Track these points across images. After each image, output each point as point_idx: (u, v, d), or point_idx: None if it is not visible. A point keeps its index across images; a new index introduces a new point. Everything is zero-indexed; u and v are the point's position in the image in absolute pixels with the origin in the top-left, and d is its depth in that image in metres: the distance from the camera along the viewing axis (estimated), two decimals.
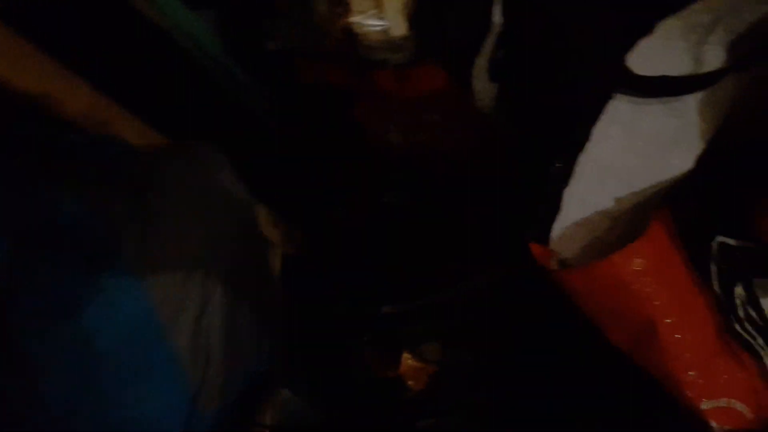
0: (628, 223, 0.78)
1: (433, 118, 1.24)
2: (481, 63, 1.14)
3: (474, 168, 1.31)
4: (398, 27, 1.11)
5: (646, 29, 0.79)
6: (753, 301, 0.72)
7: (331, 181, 1.45)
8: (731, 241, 0.74)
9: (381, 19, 1.09)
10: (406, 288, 1.29)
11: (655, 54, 0.83)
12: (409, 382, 1.27)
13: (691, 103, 0.82)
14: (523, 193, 0.93)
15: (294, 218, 1.41)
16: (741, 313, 0.73)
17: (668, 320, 0.69)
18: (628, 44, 0.80)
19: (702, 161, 0.79)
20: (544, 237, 0.76)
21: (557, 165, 0.77)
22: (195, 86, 1.21)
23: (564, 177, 0.77)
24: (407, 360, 1.25)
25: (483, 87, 1.16)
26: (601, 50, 0.80)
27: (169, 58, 1.17)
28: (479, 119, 1.19)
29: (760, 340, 0.72)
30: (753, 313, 0.72)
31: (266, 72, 1.27)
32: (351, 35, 1.09)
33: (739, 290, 0.73)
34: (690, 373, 0.68)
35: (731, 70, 0.79)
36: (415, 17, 1.11)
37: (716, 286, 0.74)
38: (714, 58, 0.84)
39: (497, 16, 1.12)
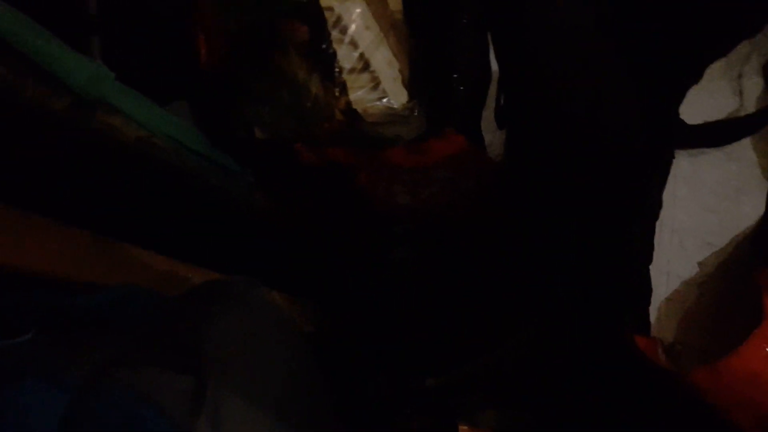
0: (716, 288, 0.73)
1: (444, 174, 1.18)
2: (488, 114, 1.09)
3: (485, 220, 1.26)
4: (398, 96, 1.04)
5: (696, 76, 0.75)
6: None
7: (337, 248, 1.37)
8: None
9: (380, 91, 1.02)
10: (446, 354, 1.23)
11: (699, 99, 0.79)
12: None
13: (745, 142, 0.79)
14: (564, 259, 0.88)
15: (307, 294, 1.33)
16: None
17: None
18: (681, 95, 0.76)
19: None
20: (640, 322, 0.71)
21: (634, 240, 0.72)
22: (188, 189, 1.11)
23: (647, 252, 0.72)
24: (464, 431, 1.19)
25: (492, 137, 1.11)
26: (658, 106, 0.76)
27: (155, 167, 1.07)
28: (491, 169, 1.15)
29: None
30: None
31: (259, 159, 1.18)
32: (352, 115, 1.01)
33: None
34: None
35: None
36: (413, 84, 1.04)
37: None
38: (753, 86, 0.81)
39: (493, 64, 1.07)
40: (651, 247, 0.73)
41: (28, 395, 0.66)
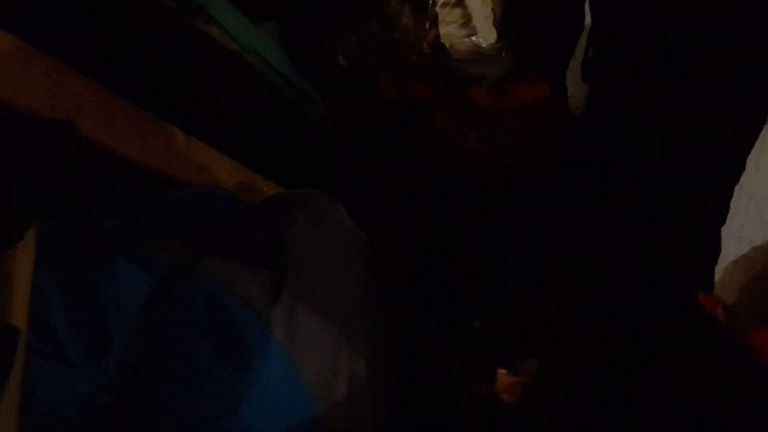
0: None
1: (520, 123, 1.18)
2: (575, 65, 1.08)
3: (553, 175, 1.25)
4: (488, 35, 1.04)
5: None
6: None
7: (404, 189, 1.39)
8: None
9: (470, 28, 1.02)
10: (497, 301, 1.25)
11: None
12: (503, 396, 1.24)
13: None
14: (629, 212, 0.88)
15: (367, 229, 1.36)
16: None
17: None
18: None
19: None
20: (705, 281, 0.71)
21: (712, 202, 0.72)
22: (269, 109, 1.15)
23: (721, 214, 0.72)
24: (503, 376, 1.22)
25: (576, 88, 1.10)
26: (754, 63, 0.74)
27: (241, 82, 1.11)
28: (569, 122, 1.14)
29: None
30: None
31: (339, 87, 1.20)
32: (440, 49, 1.02)
33: None
34: None
35: None
36: (504, 24, 1.04)
37: None
38: None
39: (587, 17, 1.06)
40: (726, 209, 0.73)
41: (117, 271, 0.72)
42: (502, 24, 1.03)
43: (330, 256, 0.77)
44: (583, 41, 1.06)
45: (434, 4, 0.97)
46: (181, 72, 0.94)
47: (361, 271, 0.83)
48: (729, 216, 0.73)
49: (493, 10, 1.02)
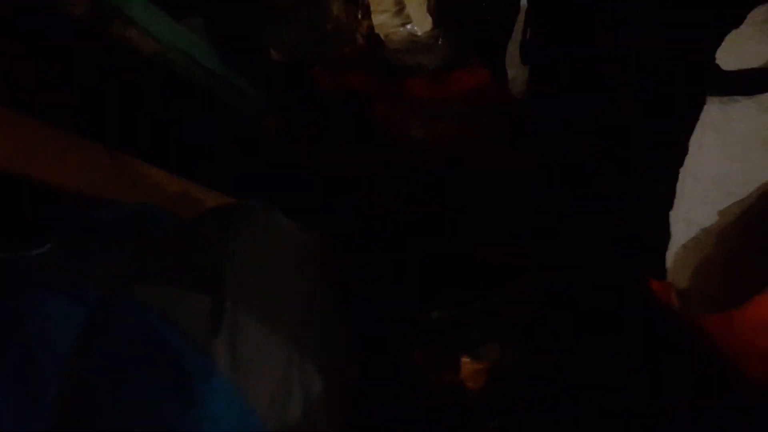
0: (735, 237, 0.73)
1: (463, 108, 1.16)
2: (513, 48, 1.06)
3: (498, 158, 1.24)
4: (423, 23, 1.01)
5: (737, 20, 0.72)
6: None
7: (348, 179, 1.36)
8: None
9: (404, 16, 0.99)
10: (453, 289, 1.23)
11: (737, 44, 0.77)
12: (468, 384, 1.24)
13: None
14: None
15: (315, 223, 1.33)
16: None
17: None
18: (719, 39, 0.73)
19: None
20: (656, 267, 0.71)
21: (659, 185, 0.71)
22: (201, 109, 1.10)
23: (668, 198, 0.71)
24: (466, 363, 1.21)
25: (516, 72, 1.08)
26: (694, 48, 0.73)
27: (167, 84, 1.05)
28: (511, 106, 1.12)
29: None
30: None
31: (273, 81, 1.15)
32: (375, 40, 0.99)
33: None
34: None
35: None
36: (438, 11, 1.01)
37: None
38: None
39: None
40: (673, 194, 0.72)
41: (47, 306, 0.67)
42: (436, 11, 1.00)
43: (273, 270, 0.74)
44: (520, 23, 1.04)
45: None
46: (99, 81, 0.88)
47: (308, 278, 0.80)
48: (676, 200, 0.73)
49: None
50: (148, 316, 0.63)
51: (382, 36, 0.98)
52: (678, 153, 0.72)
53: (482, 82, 0.98)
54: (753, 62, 0.77)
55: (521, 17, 1.04)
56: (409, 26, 0.98)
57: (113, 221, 0.77)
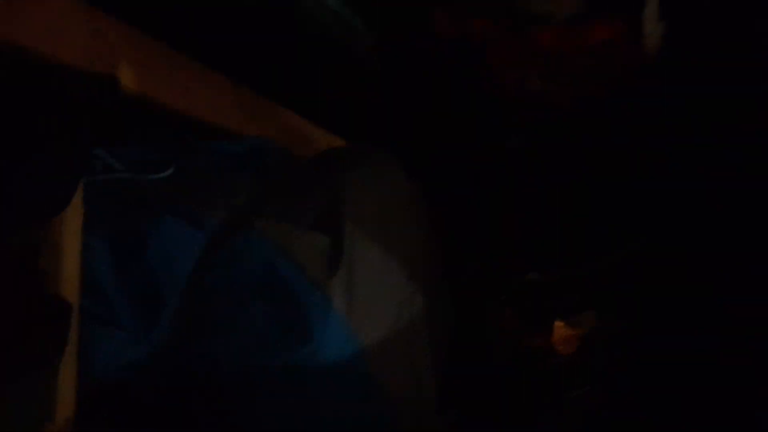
0: None
1: (584, 62, 1.09)
2: (652, 1, 0.99)
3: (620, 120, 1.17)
4: None
5: None
6: None
7: (456, 129, 1.32)
8: None
9: None
10: (554, 250, 1.20)
11: None
12: (559, 348, 1.21)
13: None
14: None
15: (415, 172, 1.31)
16: None
17: None
18: None
19: None
20: None
21: None
22: (307, 40, 1.07)
23: None
24: (560, 328, 1.19)
25: (653, 28, 1.01)
26: None
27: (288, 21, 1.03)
28: (644, 63, 1.05)
29: None
30: None
31: (390, 19, 1.12)
32: None
33: None
34: None
35: None
36: None
37: None
38: None
39: None
40: None
41: (168, 228, 0.68)
42: None
43: (388, 215, 0.73)
44: None
45: None
46: (223, 13, 0.88)
47: (417, 225, 0.79)
48: None
49: None
50: (267, 251, 0.64)
51: None
52: None
53: (615, 34, 0.91)
54: None
55: None
56: None
57: (233, 153, 0.78)
